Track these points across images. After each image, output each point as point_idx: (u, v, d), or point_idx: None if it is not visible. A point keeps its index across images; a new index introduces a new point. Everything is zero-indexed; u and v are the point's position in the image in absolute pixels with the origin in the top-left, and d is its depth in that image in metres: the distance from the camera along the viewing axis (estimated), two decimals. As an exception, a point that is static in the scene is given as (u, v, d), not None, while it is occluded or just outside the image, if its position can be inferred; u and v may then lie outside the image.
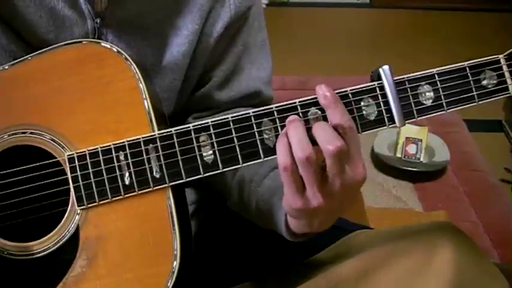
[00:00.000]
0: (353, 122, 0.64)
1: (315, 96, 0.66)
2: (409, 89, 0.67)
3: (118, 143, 0.68)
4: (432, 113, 0.68)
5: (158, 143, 0.67)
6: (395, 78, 0.67)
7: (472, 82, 0.68)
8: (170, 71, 0.82)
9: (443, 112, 0.68)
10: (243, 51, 0.87)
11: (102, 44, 0.71)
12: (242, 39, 0.86)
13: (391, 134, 1.90)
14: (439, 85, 0.68)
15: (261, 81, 0.89)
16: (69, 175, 0.68)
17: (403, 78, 0.67)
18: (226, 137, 0.67)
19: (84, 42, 0.71)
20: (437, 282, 0.67)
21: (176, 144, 0.67)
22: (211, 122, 0.67)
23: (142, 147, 0.67)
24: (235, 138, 0.67)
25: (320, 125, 0.64)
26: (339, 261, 0.77)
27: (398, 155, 1.87)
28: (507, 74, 0.68)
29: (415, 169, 1.82)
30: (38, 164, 0.70)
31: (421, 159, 1.86)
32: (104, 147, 0.68)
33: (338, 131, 0.63)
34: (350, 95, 0.67)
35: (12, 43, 0.76)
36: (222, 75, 0.86)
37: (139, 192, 0.68)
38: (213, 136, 0.67)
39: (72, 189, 0.68)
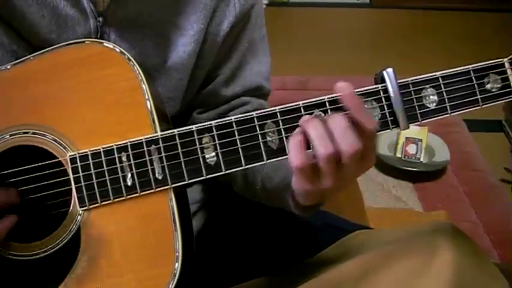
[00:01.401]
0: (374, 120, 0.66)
1: (318, 98, 0.66)
2: (413, 92, 0.67)
3: (120, 144, 0.68)
4: (436, 117, 0.68)
5: (161, 144, 0.67)
6: (399, 81, 0.67)
7: (476, 86, 0.68)
8: (176, 71, 0.82)
9: (447, 116, 0.68)
10: (247, 48, 0.88)
11: (105, 44, 0.71)
12: (247, 37, 0.88)
13: (391, 134, 1.90)
14: (443, 88, 0.67)
15: (262, 76, 0.91)
16: (71, 176, 0.68)
17: (407, 81, 0.67)
18: (229, 139, 0.67)
19: (87, 42, 0.71)
20: (437, 282, 0.67)
21: (179, 146, 0.67)
22: (214, 123, 0.67)
23: (145, 148, 0.67)
24: (238, 140, 0.67)
25: (338, 122, 0.64)
26: (339, 261, 0.77)
27: (398, 155, 1.87)
28: (511, 78, 0.68)
29: (415, 169, 1.83)
30: (40, 164, 0.69)
31: (421, 159, 1.86)
32: (106, 148, 0.68)
33: (360, 130, 0.64)
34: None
35: (13, 43, 0.76)
36: (228, 73, 0.88)
37: (142, 193, 0.68)
38: (216, 138, 0.67)
39: (74, 190, 0.68)
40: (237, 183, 0.85)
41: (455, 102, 0.68)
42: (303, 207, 0.73)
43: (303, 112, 0.66)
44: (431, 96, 0.68)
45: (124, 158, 0.68)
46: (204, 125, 0.67)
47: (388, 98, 0.67)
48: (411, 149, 1.86)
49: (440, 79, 0.67)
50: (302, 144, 0.64)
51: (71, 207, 0.69)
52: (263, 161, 0.67)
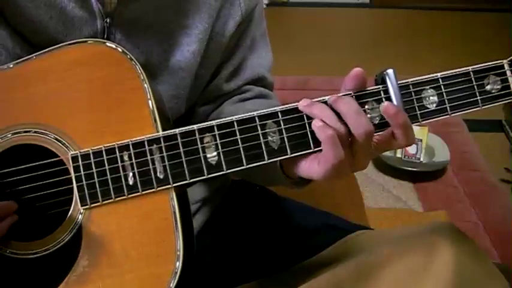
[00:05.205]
0: None
1: (319, 98, 0.67)
2: (413, 93, 0.68)
3: (122, 143, 0.68)
4: (436, 117, 0.68)
5: (162, 144, 0.67)
6: (399, 82, 0.67)
7: (476, 87, 0.68)
8: (181, 70, 0.82)
9: (447, 116, 0.68)
10: (250, 45, 0.89)
11: (107, 44, 0.71)
12: (250, 35, 0.89)
13: (391, 134, 1.90)
14: (443, 89, 0.68)
15: (264, 68, 0.92)
16: (72, 174, 0.68)
17: (407, 82, 0.68)
18: (230, 139, 0.67)
19: (89, 42, 0.71)
20: (437, 282, 0.67)
21: (180, 145, 0.67)
22: (216, 122, 0.67)
23: (147, 148, 0.68)
24: (239, 140, 0.67)
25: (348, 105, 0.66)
26: (339, 262, 0.77)
27: (398, 155, 1.87)
28: (511, 79, 0.68)
29: (415, 169, 1.83)
30: (41, 162, 0.70)
31: (421, 159, 1.86)
32: (107, 147, 0.68)
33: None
34: (354, 98, 0.67)
35: (17, 46, 0.76)
36: (231, 69, 0.89)
37: (143, 192, 0.68)
38: (217, 137, 0.67)
39: (75, 189, 0.68)
40: None
41: (455, 103, 0.68)
42: (296, 182, 0.74)
43: (303, 112, 0.67)
44: (431, 97, 0.68)
45: (126, 157, 0.68)
46: (205, 125, 0.67)
47: (388, 99, 0.67)
48: (411, 149, 1.86)
49: (440, 80, 0.68)
50: (337, 139, 0.64)
51: (72, 206, 0.69)
52: (264, 160, 0.67)
